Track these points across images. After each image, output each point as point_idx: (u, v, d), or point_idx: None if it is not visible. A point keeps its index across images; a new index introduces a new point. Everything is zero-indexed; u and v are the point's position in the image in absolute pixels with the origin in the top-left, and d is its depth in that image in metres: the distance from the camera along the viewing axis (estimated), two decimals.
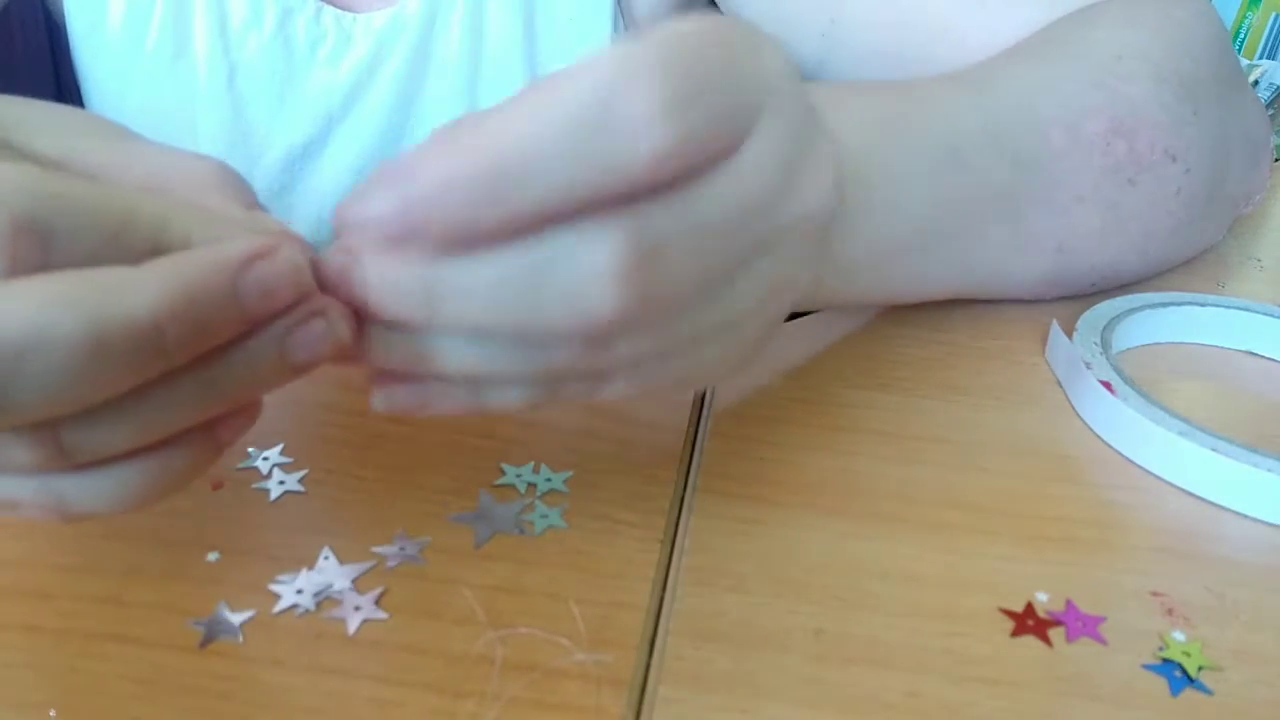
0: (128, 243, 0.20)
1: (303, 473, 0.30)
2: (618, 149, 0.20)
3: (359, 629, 0.25)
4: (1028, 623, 0.27)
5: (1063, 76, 0.38)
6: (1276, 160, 0.64)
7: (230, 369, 0.21)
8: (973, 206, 0.36)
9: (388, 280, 0.21)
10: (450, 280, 0.21)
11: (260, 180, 0.53)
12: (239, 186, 0.24)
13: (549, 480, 0.30)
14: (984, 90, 0.37)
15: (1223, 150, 0.41)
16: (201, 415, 0.22)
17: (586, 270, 0.20)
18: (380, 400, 0.24)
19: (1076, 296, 0.42)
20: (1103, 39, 0.40)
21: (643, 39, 0.20)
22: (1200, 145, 0.40)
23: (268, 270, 0.20)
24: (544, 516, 0.29)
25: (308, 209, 0.54)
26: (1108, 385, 0.34)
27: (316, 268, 0.22)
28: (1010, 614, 0.27)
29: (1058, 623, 0.27)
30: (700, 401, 0.35)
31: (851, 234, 0.31)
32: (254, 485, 0.30)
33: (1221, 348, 0.41)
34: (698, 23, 0.21)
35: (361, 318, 0.22)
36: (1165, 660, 0.26)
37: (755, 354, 0.27)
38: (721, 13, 0.57)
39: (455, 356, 0.22)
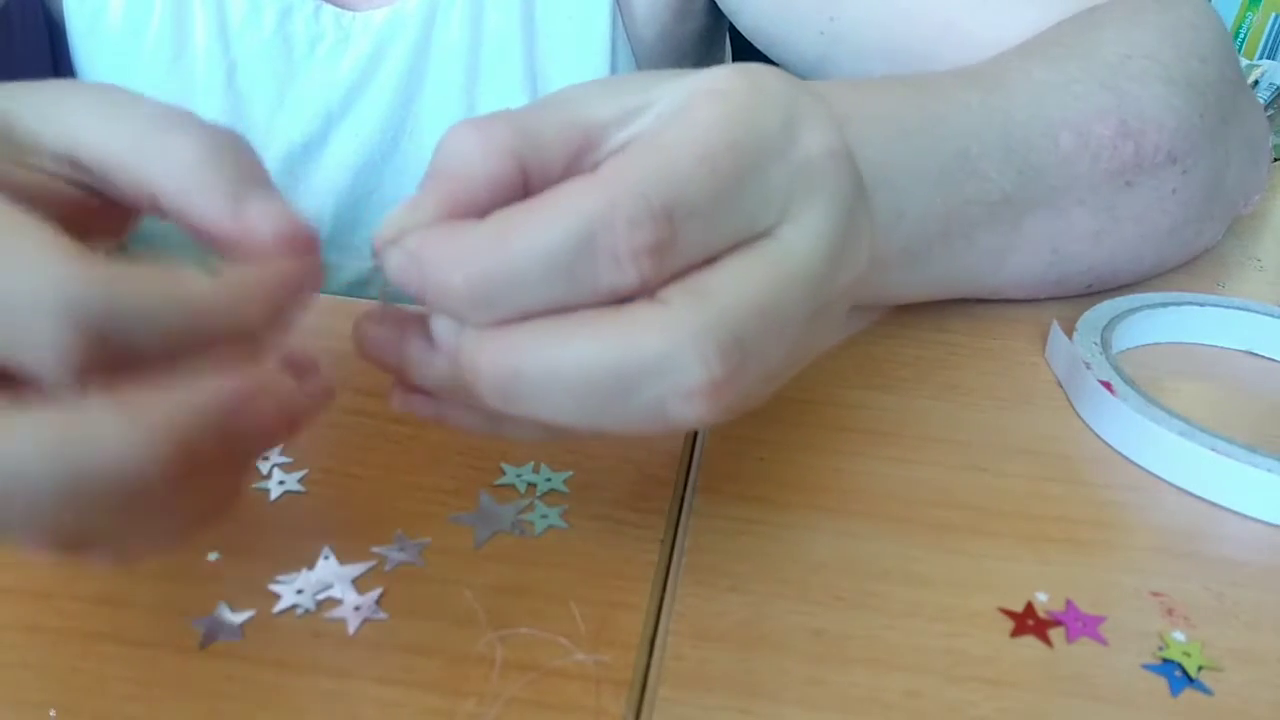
0: (182, 331, 0.20)
1: (303, 473, 0.30)
2: (635, 415, 0.21)
3: (359, 629, 0.25)
4: (1028, 623, 0.27)
5: (1072, 78, 0.38)
6: (1276, 160, 0.64)
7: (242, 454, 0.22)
8: (975, 213, 0.36)
9: (484, 363, 0.21)
10: (531, 376, 0.21)
11: None
12: (242, 161, 0.23)
13: (549, 480, 0.30)
14: (995, 90, 0.37)
15: (1222, 152, 0.41)
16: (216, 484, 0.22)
17: (679, 385, 0.21)
18: (399, 403, 0.24)
19: (1073, 297, 0.42)
20: (1110, 39, 0.40)
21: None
22: (1201, 147, 0.40)
23: (259, 408, 0.20)
24: (544, 516, 0.29)
25: (308, 207, 0.54)
26: (1108, 385, 0.34)
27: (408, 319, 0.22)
28: (1010, 614, 0.27)
29: (1058, 623, 0.27)
30: None
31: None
32: (254, 485, 0.30)
33: (1221, 348, 0.41)
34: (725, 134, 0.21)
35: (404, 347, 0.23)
36: (1165, 660, 0.26)
37: (792, 370, 0.27)
38: (727, 20, 0.57)
39: (496, 413, 0.22)
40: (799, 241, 0.22)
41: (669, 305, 0.21)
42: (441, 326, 0.22)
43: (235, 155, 0.23)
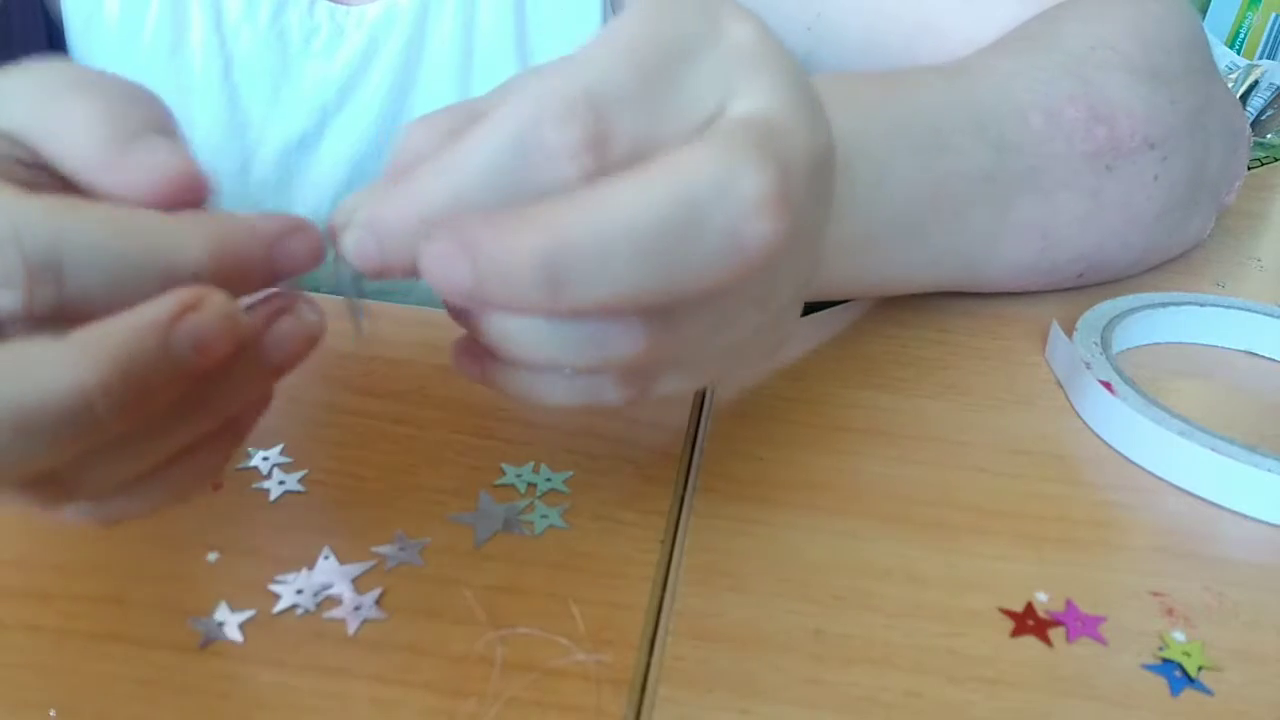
0: (140, 266, 0.20)
1: (303, 473, 0.30)
2: (712, 256, 0.20)
3: (359, 629, 0.25)
4: (1028, 623, 0.27)
5: (1037, 66, 0.39)
6: (1277, 161, 0.64)
7: (211, 390, 0.21)
8: (957, 188, 0.36)
9: (505, 263, 0.19)
10: (580, 249, 0.19)
11: (257, 173, 0.53)
12: (138, 113, 0.23)
13: (549, 480, 0.30)
14: (958, 76, 0.38)
15: (1201, 138, 0.42)
16: (199, 432, 0.22)
17: (744, 200, 0.20)
18: (455, 361, 0.25)
19: (1066, 289, 0.42)
20: (1074, 32, 0.41)
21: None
22: (1178, 133, 0.40)
23: (198, 323, 0.20)
24: (544, 516, 0.29)
25: (305, 202, 0.54)
26: (1108, 385, 0.34)
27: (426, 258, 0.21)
28: (1010, 614, 0.27)
29: (1058, 623, 0.27)
30: (700, 401, 0.35)
31: (839, 216, 0.31)
32: (254, 485, 0.30)
33: (1221, 348, 0.41)
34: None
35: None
36: (1165, 660, 0.26)
37: (788, 334, 0.27)
38: None
39: (516, 340, 0.22)
40: (757, 105, 0.22)
41: (692, 144, 0.20)
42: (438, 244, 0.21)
43: (131, 108, 0.22)
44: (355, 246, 0.22)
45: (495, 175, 0.20)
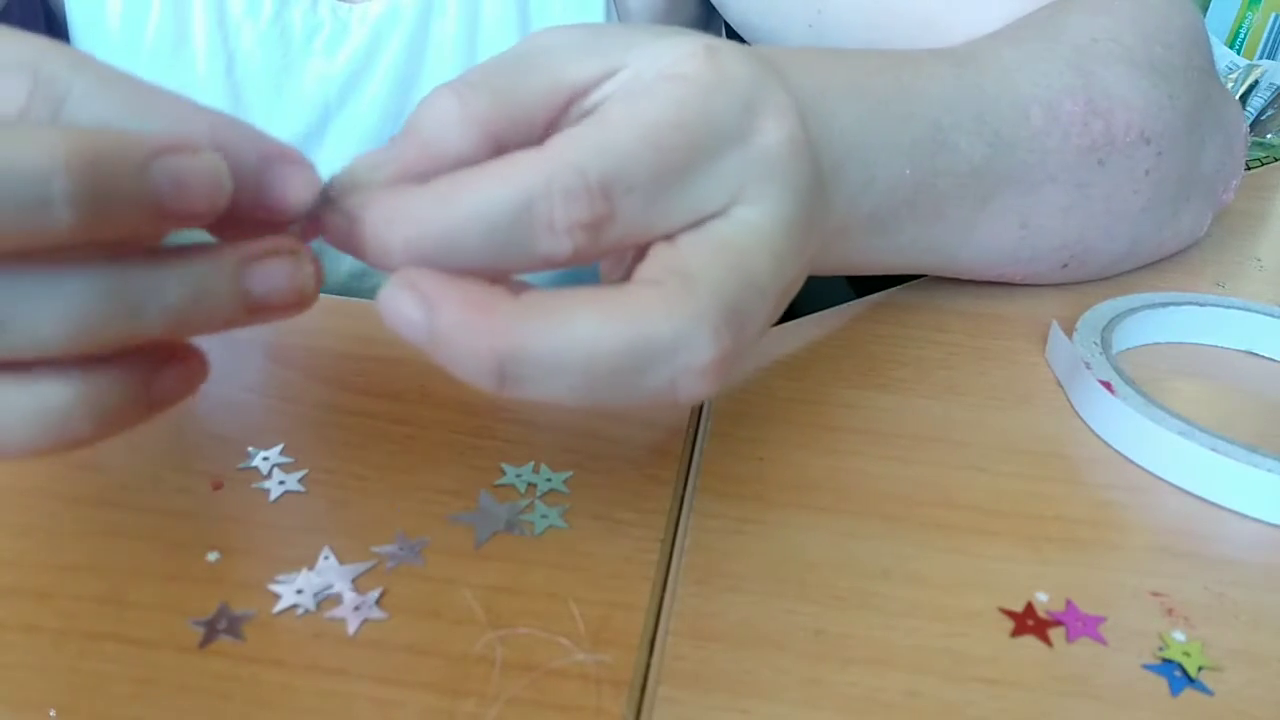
0: (138, 125, 0.20)
1: (303, 473, 0.30)
2: (647, 393, 0.22)
3: (359, 629, 0.25)
4: (1028, 623, 0.27)
5: (1039, 58, 0.39)
6: (1276, 161, 0.64)
7: (180, 280, 0.20)
8: (946, 184, 0.36)
9: (458, 343, 0.21)
10: (533, 361, 0.21)
11: None
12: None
13: (549, 480, 0.30)
14: (967, 64, 0.38)
15: (1196, 135, 0.42)
16: (136, 332, 0.20)
17: (692, 363, 0.21)
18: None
19: (1056, 282, 0.42)
20: (1076, 24, 0.41)
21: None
22: (1175, 130, 0.40)
23: (183, 163, 0.19)
24: (544, 516, 0.29)
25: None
26: (1108, 385, 0.34)
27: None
28: (1010, 614, 0.27)
29: (1058, 623, 0.27)
30: (700, 402, 0.35)
31: (830, 203, 0.31)
32: (254, 485, 0.30)
33: (1221, 348, 0.41)
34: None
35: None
36: (1165, 660, 0.26)
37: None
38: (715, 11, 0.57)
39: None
40: (756, 220, 0.23)
41: (664, 286, 0.21)
42: (410, 309, 0.21)
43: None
44: (335, 229, 0.22)
45: (492, 228, 0.21)
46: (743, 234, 0.23)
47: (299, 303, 0.22)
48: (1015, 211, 0.38)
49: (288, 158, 0.22)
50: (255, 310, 0.22)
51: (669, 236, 0.23)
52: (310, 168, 0.22)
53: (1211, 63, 0.45)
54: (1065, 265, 0.41)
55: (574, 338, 0.21)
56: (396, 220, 0.21)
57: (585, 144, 0.21)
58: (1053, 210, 0.39)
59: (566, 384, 0.21)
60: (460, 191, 0.21)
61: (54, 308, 0.19)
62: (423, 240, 0.21)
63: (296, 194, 0.22)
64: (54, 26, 0.54)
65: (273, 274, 0.21)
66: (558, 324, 0.21)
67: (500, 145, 0.23)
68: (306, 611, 0.26)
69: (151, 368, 0.22)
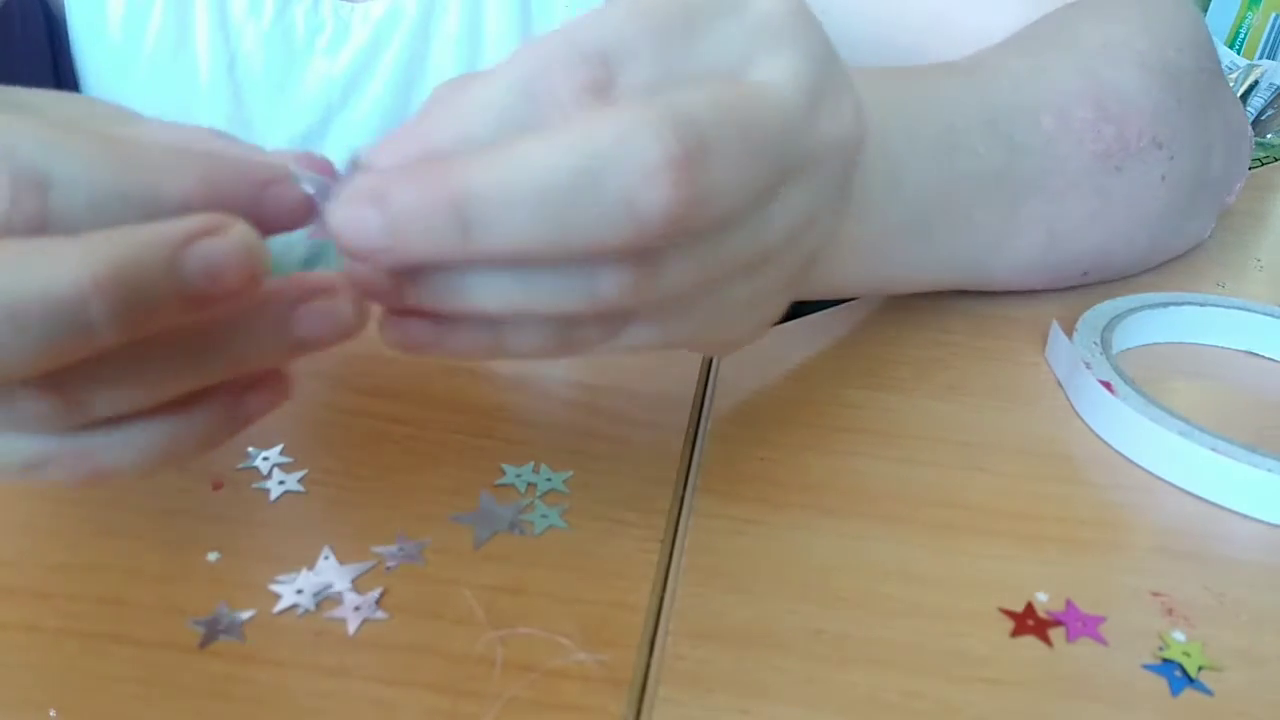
0: (128, 191, 0.20)
1: (303, 473, 0.30)
2: (609, 217, 0.20)
3: (359, 629, 0.25)
4: (1028, 623, 0.27)
5: (1049, 65, 0.39)
6: (1277, 161, 0.64)
7: (230, 339, 0.21)
8: (968, 189, 0.36)
9: (413, 209, 0.20)
10: (487, 197, 0.20)
11: None
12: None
13: (549, 480, 0.30)
14: (973, 74, 0.38)
15: (1205, 138, 0.42)
16: (207, 380, 0.22)
17: (638, 166, 0.20)
18: (392, 334, 0.23)
19: (1069, 288, 0.42)
20: (1087, 31, 0.41)
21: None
22: (1184, 133, 0.40)
23: (214, 248, 0.19)
24: (544, 516, 0.29)
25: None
26: (1108, 385, 0.34)
27: (334, 219, 0.21)
28: (1010, 614, 0.27)
29: (1058, 623, 0.27)
30: (700, 401, 0.35)
31: (855, 216, 0.31)
32: (254, 485, 0.30)
33: (1221, 348, 0.41)
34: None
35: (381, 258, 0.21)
36: (1165, 660, 0.26)
37: (772, 316, 0.27)
38: None
39: (482, 291, 0.22)
40: (768, 76, 0.23)
41: (618, 102, 0.21)
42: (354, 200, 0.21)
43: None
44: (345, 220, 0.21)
45: (502, 116, 0.21)
46: (746, 86, 0.22)
47: (343, 337, 0.22)
48: (1042, 219, 0.38)
49: (280, 178, 0.22)
50: (304, 348, 0.22)
51: None
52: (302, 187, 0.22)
53: (1218, 64, 0.45)
54: (1086, 273, 0.42)
55: (523, 164, 0.20)
56: (409, 137, 0.21)
57: (576, 23, 0.21)
58: (1077, 218, 0.39)
59: (527, 219, 0.20)
60: (464, 93, 0.21)
61: (140, 382, 0.21)
62: (439, 141, 0.21)
63: (294, 211, 0.22)
64: (54, 29, 0.54)
65: (315, 316, 0.22)
66: (506, 156, 0.20)
67: None
68: (306, 611, 0.26)
69: (239, 392, 0.23)
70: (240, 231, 0.19)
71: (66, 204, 0.19)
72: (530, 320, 0.23)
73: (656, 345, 0.24)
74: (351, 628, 0.25)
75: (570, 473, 0.31)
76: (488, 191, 0.20)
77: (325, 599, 0.26)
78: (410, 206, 0.20)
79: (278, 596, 0.26)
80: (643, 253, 0.21)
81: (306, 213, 0.22)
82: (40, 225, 0.19)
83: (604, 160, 0.20)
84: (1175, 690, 0.25)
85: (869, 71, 0.36)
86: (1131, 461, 0.33)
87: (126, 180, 0.20)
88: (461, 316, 0.23)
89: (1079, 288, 0.43)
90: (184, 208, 0.20)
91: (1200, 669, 0.25)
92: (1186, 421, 0.32)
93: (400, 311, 0.23)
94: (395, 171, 0.20)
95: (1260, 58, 1.01)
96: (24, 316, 0.18)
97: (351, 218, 0.20)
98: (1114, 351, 0.37)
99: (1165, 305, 0.40)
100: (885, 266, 0.36)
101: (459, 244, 0.20)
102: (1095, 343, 0.37)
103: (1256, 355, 0.40)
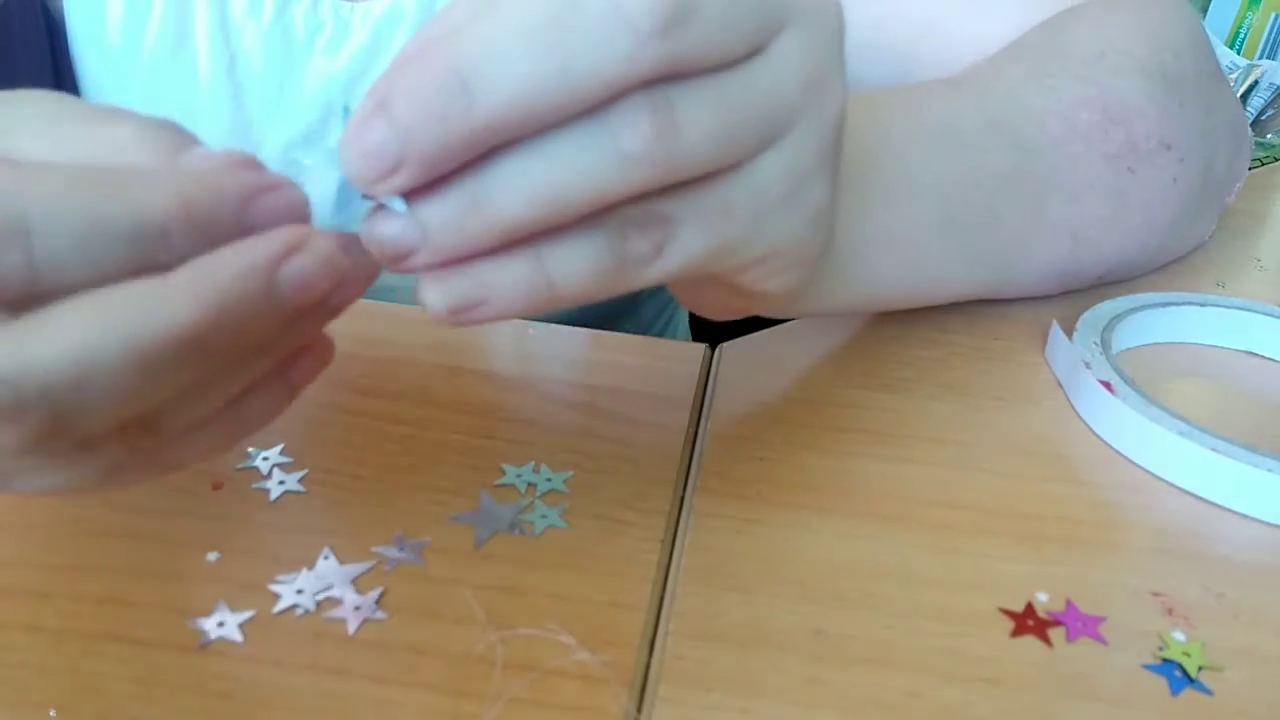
0: (109, 225, 0.19)
1: (303, 473, 0.30)
2: (602, 33, 0.19)
3: (359, 629, 0.25)
4: (1028, 623, 0.27)
5: (1048, 73, 0.39)
6: (1277, 161, 0.64)
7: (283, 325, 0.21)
8: (985, 184, 0.36)
9: (413, 89, 0.19)
10: (479, 51, 0.19)
11: None
12: (169, 143, 0.22)
13: (549, 480, 0.30)
14: (966, 83, 0.38)
15: (1210, 139, 0.42)
16: (261, 371, 0.22)
17: None
18: (433, 292, 0.21)
19: (1080, 291, 0.42)
20: (1084, 38, 0.41)
21: None
22: (1192, 134, 0.41)
23: (303, 265, 0.20)
24: (544, 516, 0.29)
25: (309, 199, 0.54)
26: (1108, 385, 0.34)
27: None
28: (1010, 614, 0.27)
29: (1058, 623, 0.27)
30: (700, 401, 0.35)
31: (876, 204, 0.31)
32: (254, 485, 0.30)
33: (1221, 348, 0.41)
34: None
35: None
36: (1165, 660, 0.26)
37: (818, 214, 0.25)
38: None
39: (507, 185, 0.20)
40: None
41: None
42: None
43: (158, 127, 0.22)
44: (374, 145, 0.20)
45: (539, 30, 0.19)
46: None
47: (370, 281, 0.22)
48: (1065, 222, 0.39)
49: (261, 189, 0.21)
50: (338, 311, 0.22)
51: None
52: (287, 188, 0.22)
53: (1217, 65, 0.45)
54: (1100, 276, 0.42)
55: (505, 8, 0.20)
56: (433, 53, 0.20)
57: None
58: (1097, 221, 0.39)
59: (523, 58, 0.19)
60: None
61: (210, 402, 0.22)
62: (464, 57, 0.19)
63: (282, 217, 0.21)
64: (54, 31, 0.54)
65: (297, 271, 0.21)
66: (486, 14, 0.20)
67: None
68: (306, 612, 0.26)
69: (288, 361, 0.23)
70: (320, 243, 0.20)
71: (51, 249, 0.19)
72: (571, 238, 0.22)
73: (713, 259, 0.23)
74: (351, 628, 0.25)
75: (570, 473, 0.31)
76: (479, 46, 0.19)
77: (325, 599, 0.26)
78: (410, 89, 0.19)
79: (277, 596, 0.26)
80: (652, 90, 0.20)
81: (301, 217, 0.22)
82: (29, 276, 0.19)
83: None
84: (1175, 690, 0.25)
85: (859, 91, 0.36)
86: (1131, 461, 0.33)
87: (106, 212, 0.20)
88: (499, 243, 0.21)
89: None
90: (165, 231, 0.20)
91: (1200, 669, 0.25)
92: (1186, 421, 0.32)
93: (438, 269, 0.21)
94: (388, 74, 0.20)
95: (1260, 58, 1.01)
96: (155, 359, 0.19)
97: (360, 139, 0.20)
98: (1114, 351, 0.37)
99: (1165, 305, 0.40)
100: (920, 260, 0.36)
101: (465, 109, 0.19)
102: (1095, 343, 0.37)
103: (1256, 355, 0.40)
